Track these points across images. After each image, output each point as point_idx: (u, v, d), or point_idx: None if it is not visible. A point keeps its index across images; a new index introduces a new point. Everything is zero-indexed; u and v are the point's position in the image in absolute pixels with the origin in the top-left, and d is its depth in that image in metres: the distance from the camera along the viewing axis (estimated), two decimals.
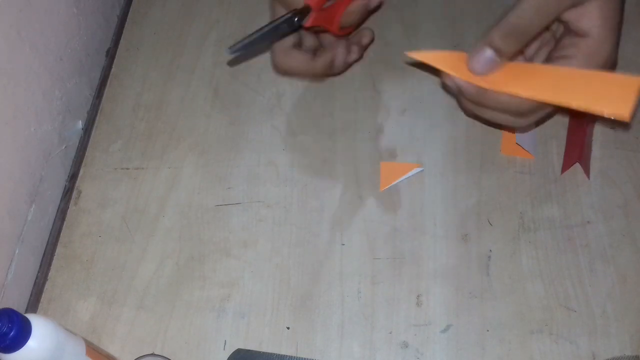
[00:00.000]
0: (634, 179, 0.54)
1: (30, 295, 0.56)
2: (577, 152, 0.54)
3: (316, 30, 0.55)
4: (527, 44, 0.45)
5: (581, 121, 0.56)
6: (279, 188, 0.58)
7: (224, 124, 0.62)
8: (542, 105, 0.45)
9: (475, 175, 0.56)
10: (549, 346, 0.48)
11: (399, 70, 0.62)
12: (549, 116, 0.47)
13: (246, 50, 0.50)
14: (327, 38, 0.57)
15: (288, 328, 0.51)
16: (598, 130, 0.57)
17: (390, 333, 0.50)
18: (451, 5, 0.66)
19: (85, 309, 0.53)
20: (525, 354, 0.48)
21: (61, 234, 0.58)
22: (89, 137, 0.63)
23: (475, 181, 0.56)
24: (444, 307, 0.50)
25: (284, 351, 0.50)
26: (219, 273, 0.54)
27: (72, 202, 0.59)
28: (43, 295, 0.55)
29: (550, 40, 0.48)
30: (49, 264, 0.56)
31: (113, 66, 0.67)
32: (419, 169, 0.57)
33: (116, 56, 0.68)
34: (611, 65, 0.45)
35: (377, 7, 0.56)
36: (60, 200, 0.61)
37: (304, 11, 0.51)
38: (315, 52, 0.56)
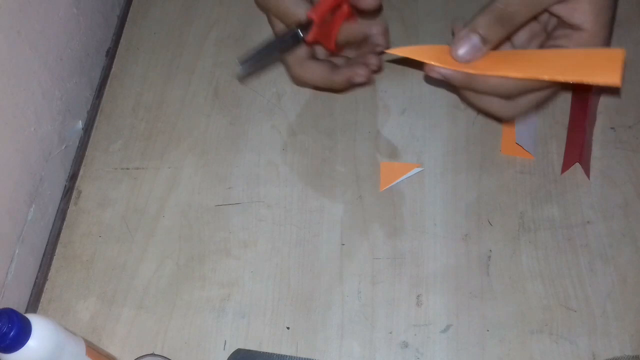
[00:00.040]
0: (634, 179, 0.54)
1: (30, 295, 0.56)
2: (577, 152, 0.54)
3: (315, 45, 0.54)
4: (513, 33, 0.45)
5: (581, 121, 0.56)
6: (279, 188, 0.58)
7: (224, 124, 0.62)
8: (531, 87, 0.44)
9: (475, 175, 0.56)
10: (549, 346, 0.48)
11: (399, 70, 0.62)
12: (538, 104, 0.47)
13: (256, 64, 0.50)
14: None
15: (288, 328, 0.51)
16: (598, 130, 0.57)
17: (390, 333, 0.50)
18: (451, 5, 0.66)
19: (85, 309, 0.54)
20: (525, 354, 0.48)
21: (61, 234, 0.58)
22: (89, 137, 0.63)
23: (475, 181, 0.56)
24: (444, 307, 0.50)
25: (284, 351, 0.50)
26: (219, 273, 0.54)
27: (72, 202, 0.59)
28: (43, 295, 0.55)
29: (541, 32, 0.48)
30: (49, 264, 0.56)
31: (113, 66, 0.67)
32: (419, 169, 0.57)
33: (116, 56, 0.68)
34: None
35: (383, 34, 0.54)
36: (60, 200, 0.61)
37: (308, 25, 0.50)
38: (331, 60, 0.55)
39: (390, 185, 0.56)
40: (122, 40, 0.69)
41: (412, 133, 0.59)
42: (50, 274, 0.56)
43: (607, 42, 0.44)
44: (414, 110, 0.60)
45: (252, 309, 0.52)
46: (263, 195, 0.57)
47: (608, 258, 0.51)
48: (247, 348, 0.50)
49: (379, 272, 0.53)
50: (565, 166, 0.55)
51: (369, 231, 0.54)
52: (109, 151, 0.62)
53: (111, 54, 0.69)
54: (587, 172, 0.54)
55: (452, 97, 0.60)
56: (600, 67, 0.41)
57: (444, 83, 0.46)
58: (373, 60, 0.52)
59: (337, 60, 0.55)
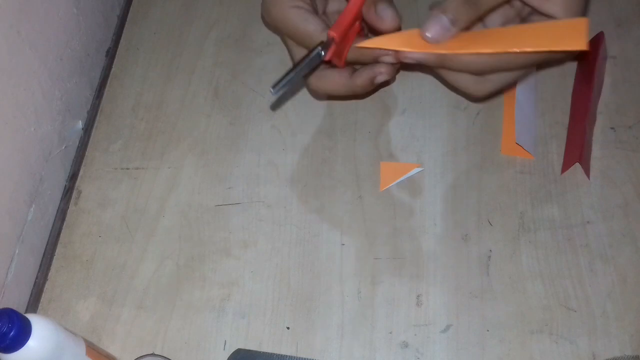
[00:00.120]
0: (634, 179, 0.54)
1: (30, 295, 0.56)
2: (577, 152, 0.54)
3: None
4: (483, 15, 0.45)
5: (581, 121, 0.56)
6: (279, 188, 0.58)
7: (224, 124, 0.62)
8: (502, 65, 0.45)
9: (475, 175, 0.56)
10: (549, 346, 0.48)
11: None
12: (509, 83, 0.48)
13: (285, 87, 0.48)
14: None
15: (288, 328, 0.51)
16: (598, 130, 0.57)
17: (390, 333, 0.50)
18: None
19: (85, 309, 0.54)
20: (525, 354, 0.48)
21: (61, 234, 0.58)
22: (89, 137, 0.63)
23: (475, 181, 0.56)
24: (444, 307, 0.50)
25: (284, 351, 0.50)
26: (219, 273, 0.54)
27: (72, 202, 0.59)
28: (43, 295, 0.55)
29: (515, 18, 0.48)
30: (49, 264, 0.56)
31: (113, 66, 0.67)
32: (419, 169, 0.57)
33: (116, 56, 0.68)
34: None
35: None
36: (60, 200, 0.61)
37: (329, 44, 0.48)
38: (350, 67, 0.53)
39: (390, 185, 0.56)
40: (122, 40, 0.69)
41: (412, 133, 0.59)
42: (50, 274, 0.56)
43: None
44: (414, 110, 0.60)
45: (252, 309, 0.52)
46: (263, 195, 0.57)
47: (608, 258, 0.51)
48: (247, 348, 0.50)
49: (379, 272, 0.53)
50: (565, 166, 0.55)
51: (369, 231, 0.54)
52: (109, 151, 0.62)
53: (111, 54, 0.69)
54: (587, 172, 0.54)
55: (452, 97, 0.60)
56: (566, 36, 0.43)
57: (419, 66, 0.47)
58: (383, 69, 0.50)
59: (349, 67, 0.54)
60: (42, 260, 0.58)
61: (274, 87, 0.48)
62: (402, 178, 0.57)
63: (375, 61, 0.49)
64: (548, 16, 0.45)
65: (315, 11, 0.51)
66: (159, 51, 0.68)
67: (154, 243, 0.56)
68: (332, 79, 0.52)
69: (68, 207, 0.59)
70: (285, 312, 0.52)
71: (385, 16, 0.48)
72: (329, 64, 0.50)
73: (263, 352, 0.50)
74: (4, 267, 0.53)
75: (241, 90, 0.64)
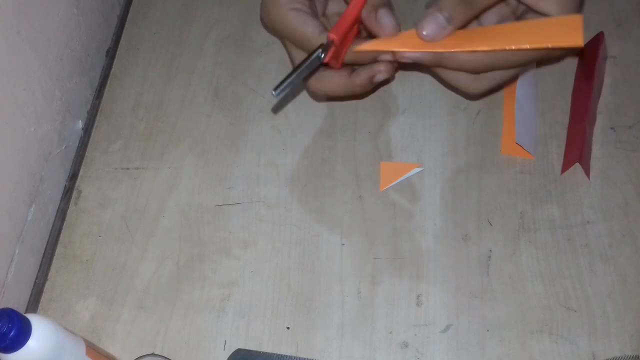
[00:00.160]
0: (634, 179, 0.54)
1: (30, 295, 0.56)
2: (577, 152, 0.54)
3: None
4: (478, 13, 0.45)
5: (581, 121, 0.56)
6: (279, 188, 0.58)
7: (224, 124, 0.62)
8: (497, 64, 0.46)
9: (475, 175, 0.56)
10: (549, 346, 0.48)
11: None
12: (505, 81, 0.49)
13: (286, 89, 0.48)
14: None
15: (288, 328, 0.51)
16: (598, 130, 0.57)
17: (390, 333, 0.50)
18: None
19: (85, 309, 0.54)
20: (525, 354, 0.48)
21: (61, 234, 0.58)
22: (89, 137, 0.63)
23: (475, 181, 0.56)
24: (444, 307, 0.50)
25: (284, 351, 0.50)
26: (219, 273, 0.54)
27: (72, 202, 0.59)
28: (43, 295, 0.55)
29: (510, 16, 0.49)
30: (49, 264, 0.56)
31: (113, 66, 0.67)
32: (418, 169, 0.57)
33: (116, 56, 0.68)
34: None
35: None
36: (60, 200, 0.61)
37: (329, 46, 0.48)
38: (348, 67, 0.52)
39: (390, 185, 0.56)
40: (122, 40, 0.69)
41: (412, 133, 0.59)
42: (50, 274, 0.56)
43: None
44: (414, 110, 0.60)
45: (252, 309, 0.52)
46: (263, 195, 0.57)
47: (608, 258, 0.51)
48: (247, 348, 0.50)
49: (379, 272, 0.53)
50: (565, 166, 0.55)
51: (369, 231, 0.54)
52: (109, 151, 0.62)
53: (111, 54, 0.69)
54: (587, 172, 0.54)
55: (452, 97, 0.60)
56: (562, 33, 0.43)
57: (416, 65, 0.47)
58: (382, 67, 0.50)
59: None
60: (42, 260, 0.58)
61: (275, 89, 0.47)
62: (402, 178, 0.57)
63: (373, 61, 0.49)
64: (543, 14, 0.45)
65: (314, 13, 0.51)
66: (159, 51, 0.68)
67: (154, 243, 0.56)
68: (332, 80, 0.51)
69: (68, 207, 0.59)
70: (285, 312, 0.52)
71: (385, 24, 0.47)
72: (327, 65, 0.50)
73: (263, 352, 0.50)
74: (4, 267, 0.53)
75: (241, 90, 0.64)
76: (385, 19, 0.47)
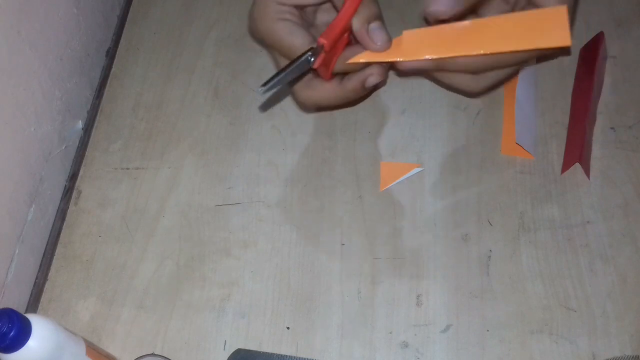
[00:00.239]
0: (634, 179, 0.54)
1: (30, 295, 0.56)
2: (577, 152, 0.54)
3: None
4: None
5: (581, 121, 0.56)
6: (279, 188, 0.58)
7: (224, 124, 0.62)
8: (497, 64, 0.46)
9: (475, 175, 0.56)
10: (549, 346, 0.48)
11: None
12: (504, 79, 0.49)
13: (273, 88, 0.47)
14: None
15: (288, 328, 0.51)
16: (598, 130, 0.57)
17: (390, 333, 0.50)
18: None
19: (85, 309, 0.54)
20: (525, 354, 0.48)
21: (61, 234, 0.58)
22: (89, 137, 0.63)
23: (475, 181, 0.56)
24: (444, 307, 0.50)
25: (284, 351, 0.50)
26: (219, 273, 0.54)
27: (72, 202, 0.59)
28: (43, 295, 0.55)
29: (508, 11, 0.49)
30: (49, 264, 0.56)
31: (113, 66, 0.67)
32: (418, 169, 0.57)
33: (116, 56, 0.68)
34: None
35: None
36: (60, 200, 0.61)
37: (317, 51, 0.47)
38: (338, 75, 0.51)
39: (390, 185, 0.56)
40: (122, 40, 0.69)
41: (412, 133, 0.59)
42: (50, 274, 0.56)
43: (571, 23, 0.45)
44: (414, 110, 0.60)
45: (252, 309, 0.52)
46: (263, 195, 0.57)
47: (608, 258, 0.51)
48: (247, 348, 0.50)
49: (379, 272, 0.53)
50: (565, 166, 0.55)
51: (369, 231, 0.54)
52: (109, 151, 0.62)
53: (111, 54, 0.69)
54: (587, 172, 0.54)
55: (452, 97, 0.60)
56: (549, 29, 0.43)
57: (417, 72, 0.48)
58: (374, 70, 0.49)
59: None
60: (42, 260, 0.58)
61: (263, 85, 0.47)
62: (402, 178, 0.57)
63: (363, 66, 0.49)
64: (540, 7, 0.44)
65: (304, 24, 0.50)
66: (159, 51, 0.68)
67: (154, 243, 0.56)
68: (322, 87, 0.50)
69: (68, 207, 0.59)
70: (285, 312, 0.52)
71: (377, 39, 0.47)
72: (316, 73, 0.49)
73: (263, 352, 0.50)
74: (4, 267, 0.53)
75: (241, 90, 0.64)
76: (377, 34, 0.47)
